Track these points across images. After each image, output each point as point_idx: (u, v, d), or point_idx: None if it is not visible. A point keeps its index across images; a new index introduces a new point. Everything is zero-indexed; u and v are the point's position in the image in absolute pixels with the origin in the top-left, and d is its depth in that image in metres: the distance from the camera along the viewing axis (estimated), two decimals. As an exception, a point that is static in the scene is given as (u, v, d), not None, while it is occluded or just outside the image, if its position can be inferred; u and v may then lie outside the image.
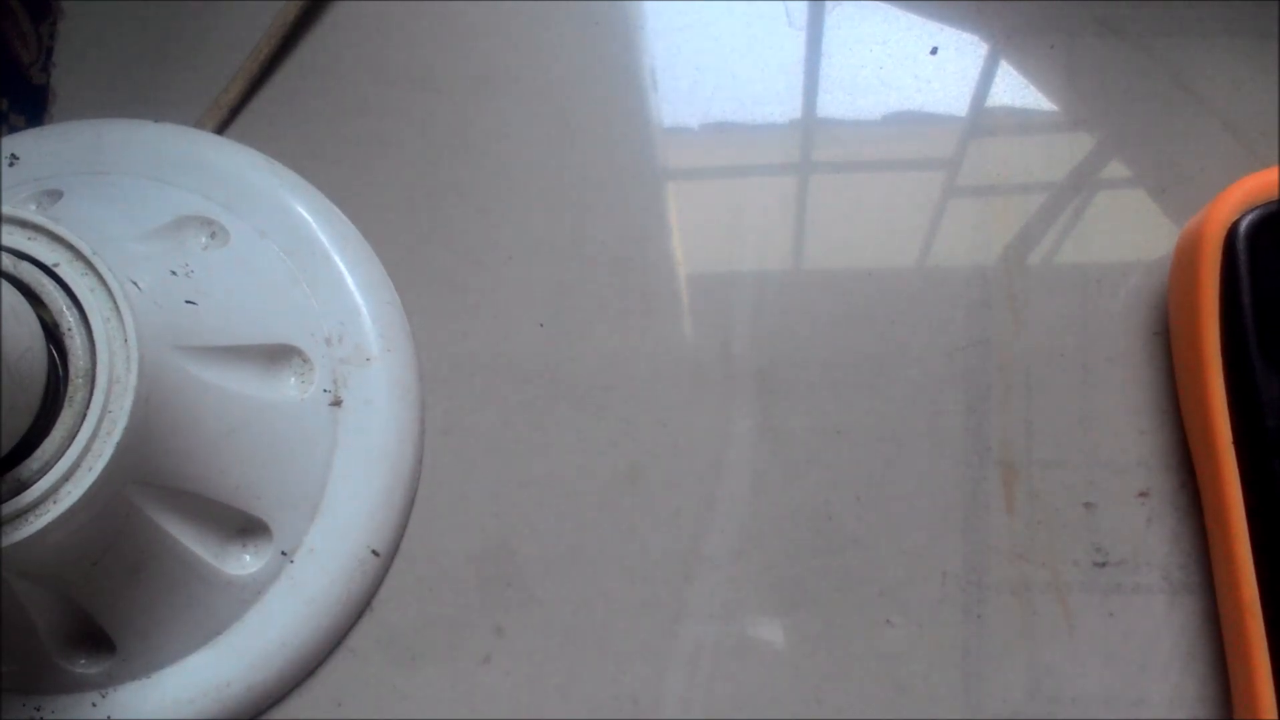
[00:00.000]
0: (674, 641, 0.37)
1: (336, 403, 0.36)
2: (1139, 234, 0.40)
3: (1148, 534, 0.37)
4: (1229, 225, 0.35)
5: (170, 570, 0.33)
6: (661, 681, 0.37)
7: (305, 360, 0.36)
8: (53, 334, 0.28)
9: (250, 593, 0.35)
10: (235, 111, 0.42)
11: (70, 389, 0.27)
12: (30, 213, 0.28)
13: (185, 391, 0.31)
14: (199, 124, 0.41)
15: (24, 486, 0.27)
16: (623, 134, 0.41)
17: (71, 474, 0.27)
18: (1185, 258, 0.36)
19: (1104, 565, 0.37)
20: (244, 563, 0.35)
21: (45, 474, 0.27)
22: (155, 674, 0.34)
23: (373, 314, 0.38)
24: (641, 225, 0.41)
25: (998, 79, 0.41)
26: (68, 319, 0.28)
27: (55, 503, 0.27)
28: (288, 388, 0.36)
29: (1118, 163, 0.40)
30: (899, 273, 0.40)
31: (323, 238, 0.38)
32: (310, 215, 0.38)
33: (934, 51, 0.42)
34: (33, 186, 0.37)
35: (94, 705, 0.34)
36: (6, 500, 0.26)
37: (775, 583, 0.37)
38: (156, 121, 0.40)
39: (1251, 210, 0.35)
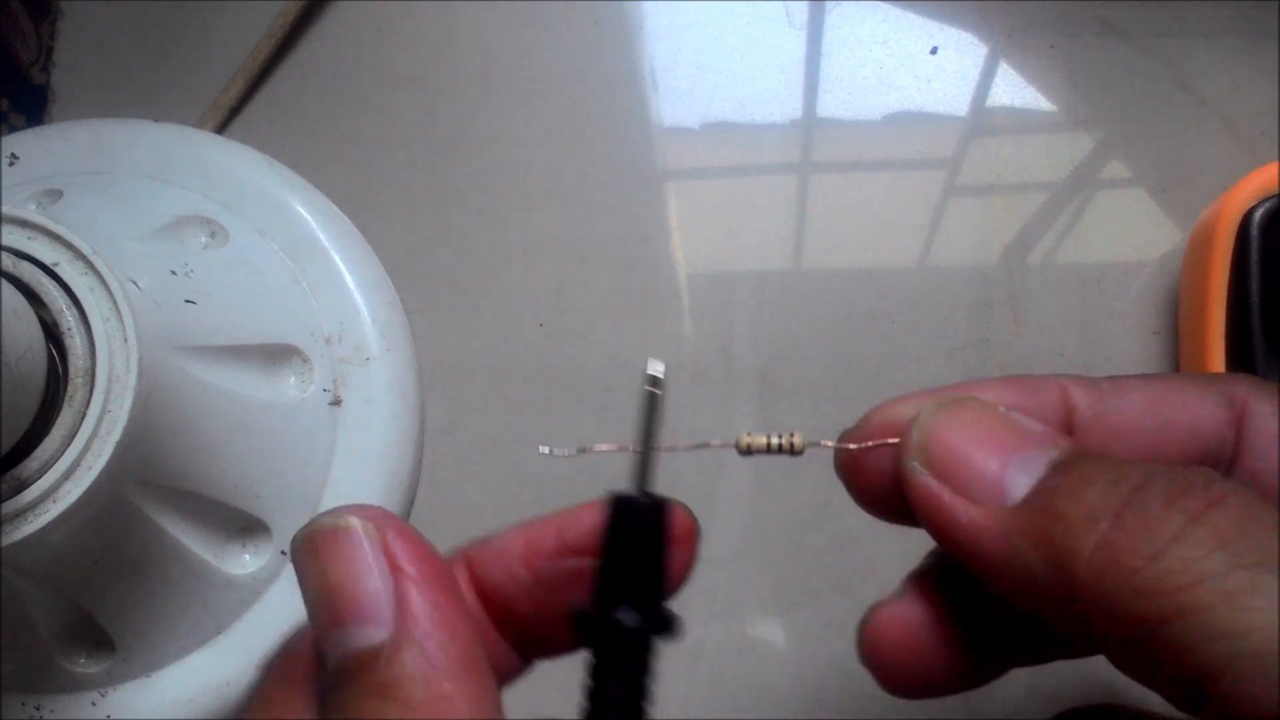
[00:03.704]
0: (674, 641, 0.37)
1: (336, 402, 0.36)
2: (1139, 233, 0.40)
3: (1148, 534, 0.37)
4: (1243, 213, 0.35)
5: (170, 570, 0.33)
6: (662, 681, 0.37)
7: (305, 360, 0.36)
8: (52, 333, 0.28)
9: (250, 592, 0.35)
10: (235, 111, 0.42)
11: (70, 389, 0.27)
12: (30, 212, 0.28)
13: (185, 391, 0.31)
14: (199, 124, 0.41)
15: (24, 486, 0.27)
16: (623, 134, 0.41)
17: (71, 473, 0.27)
18: (1199, 243, 0.36)
19: (1104, 565, 0.37)
20: (244, 562, 0.35)
21: (45, 473, 0.27)
22: (155, 673, 0.34)
23: (373, 314, 0.38)
24: (641, 225, 0.41)
25: (998, 79, 0.41)
26: (67, 319, 0.28)
27: (55, 502, 0.27)
28: (287, 387, 0.36)
29: (1118, 163, 0.40)
30: (899, 273, 0.40)
31: (323, 237, 0.38)
32: (310, 215, 0.38)
33: (934, 51, 0.42)
34: (33, 186, 0.37)
35: (94, 705, 0.34)
36: (7, 499, 0.26)
37: (775, 583, 0.37)
38: (156, 121, 0.40)
39: (1268, 199, 0.35)
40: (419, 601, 0.17)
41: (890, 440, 0.20)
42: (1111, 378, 0.21)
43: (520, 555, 0.20)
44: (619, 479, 0.40)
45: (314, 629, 0.18)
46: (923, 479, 0.19)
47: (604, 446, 0.22)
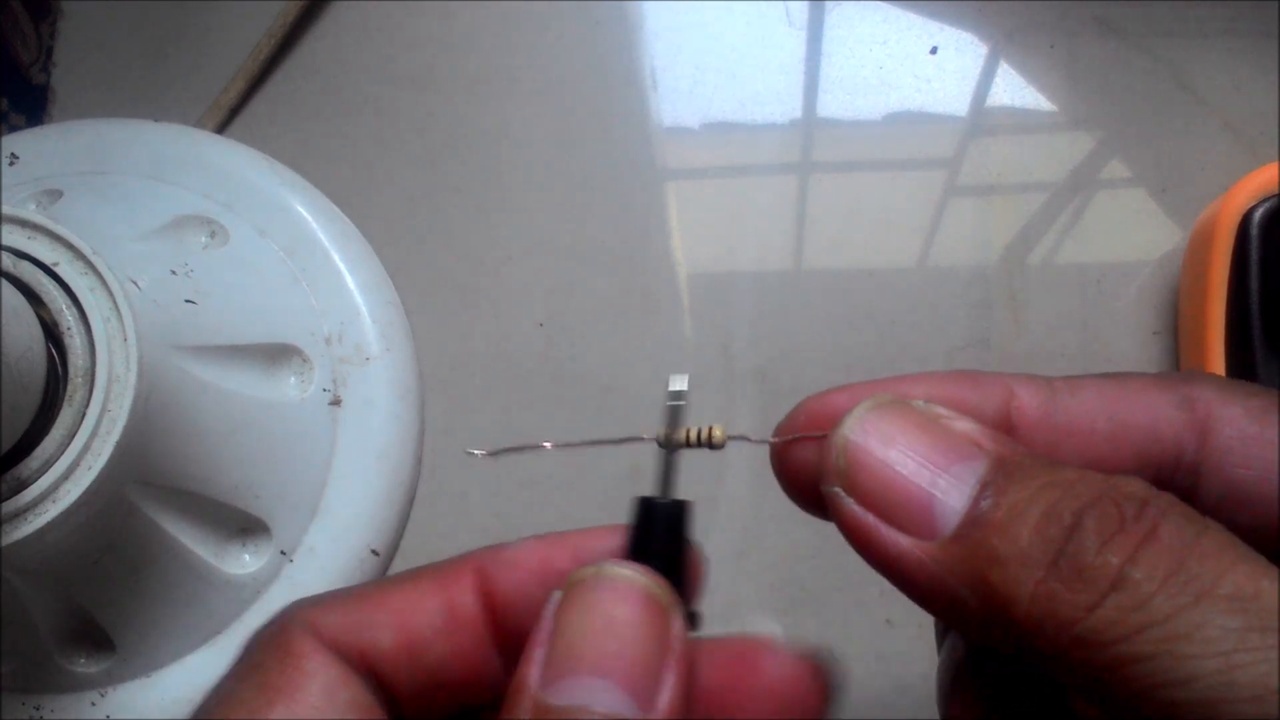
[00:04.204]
0: (674, 641, 0.37)
1: (336, 402, 0.36)
2: (1139, 233, 0.40)
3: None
4: (1243, 213, 0.35)
5: (170, 570, 0.33)
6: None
7: (305, 360, 0.36)
8: (52, 333, 0.28)
9: (250, 592, 0.35)
10: (235, 111, 0.42)
11: (70, 388, 0.27)
12: (30, 212, 0.28)
13: (185, 391, 0.31)
14: (199, 124, 0.41)
15: (24, 485, 0.27)
16: (623, 134, 0.42)
17: (71, 473, 0.27)
18: (1199, 243, 0.36)
19: (1104, 565, 0.37)
20: (243, 562, 0.35)
21: (45, 473, 0.27)
22: (154, 673, 0.34)
23: (373, 314, 0.38)
24: (641, 225, 0.41)
25: (998, 79, 0.41)
26: (67, 318, 0.28)
27: (54, 502, 0.27)
28: (288, 387, 0.36)
29: (1118, 163, 0.40)
30: (899, 273, 0.40)
31: (323, 237, 0.38)
32: (310, 215, 0.38)
33: (934, 51, 0.42)
34: (33, 186, 0.37)
35: (93, 704, 0.34)
36: (6, 499, 0.26)
37: (775, 583, 0.37)
38: (156, 121, 0.40)
39: (1268, 199, 0.35)
40: (676, 699, 0.16)
41: (816, 434, 0.19)
42: (1068, 377, 0.20)
43: (535, 571, 0.19)
44: (617, 480, 0.40)
45: (542, 660, 0.17)
46: (848, 507, 0.18)
47: (521, 444, 0.22)
